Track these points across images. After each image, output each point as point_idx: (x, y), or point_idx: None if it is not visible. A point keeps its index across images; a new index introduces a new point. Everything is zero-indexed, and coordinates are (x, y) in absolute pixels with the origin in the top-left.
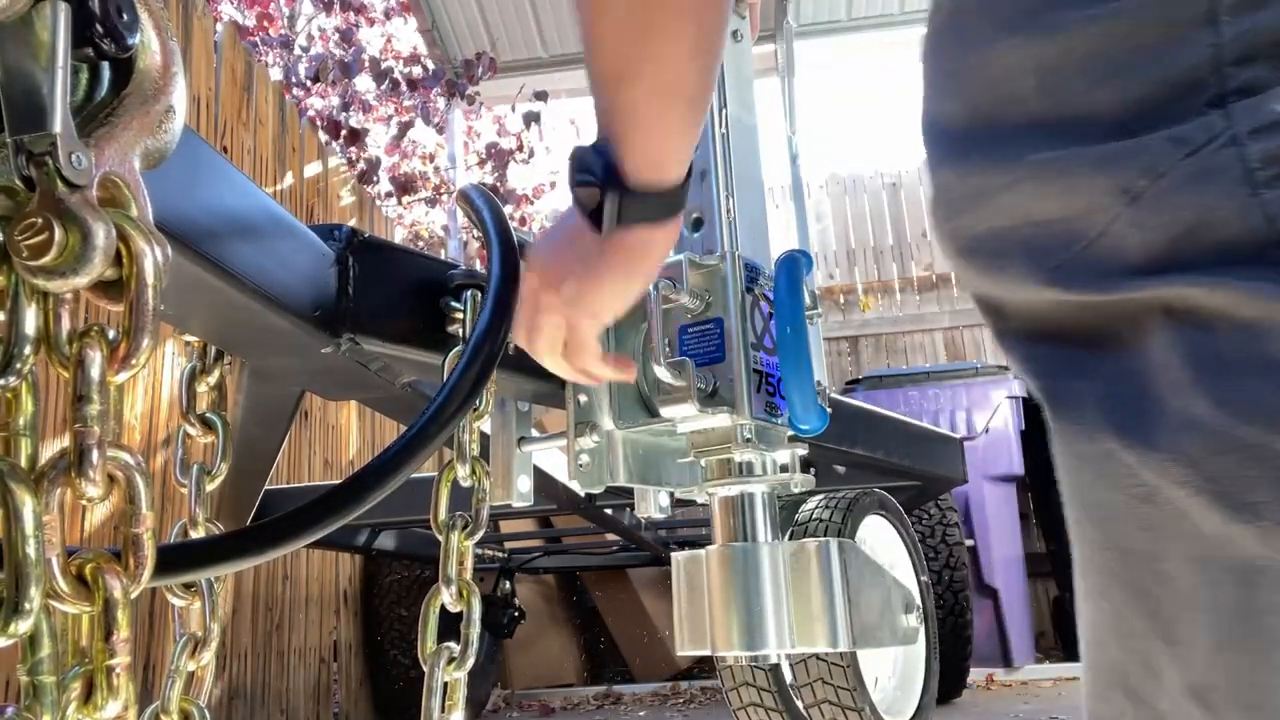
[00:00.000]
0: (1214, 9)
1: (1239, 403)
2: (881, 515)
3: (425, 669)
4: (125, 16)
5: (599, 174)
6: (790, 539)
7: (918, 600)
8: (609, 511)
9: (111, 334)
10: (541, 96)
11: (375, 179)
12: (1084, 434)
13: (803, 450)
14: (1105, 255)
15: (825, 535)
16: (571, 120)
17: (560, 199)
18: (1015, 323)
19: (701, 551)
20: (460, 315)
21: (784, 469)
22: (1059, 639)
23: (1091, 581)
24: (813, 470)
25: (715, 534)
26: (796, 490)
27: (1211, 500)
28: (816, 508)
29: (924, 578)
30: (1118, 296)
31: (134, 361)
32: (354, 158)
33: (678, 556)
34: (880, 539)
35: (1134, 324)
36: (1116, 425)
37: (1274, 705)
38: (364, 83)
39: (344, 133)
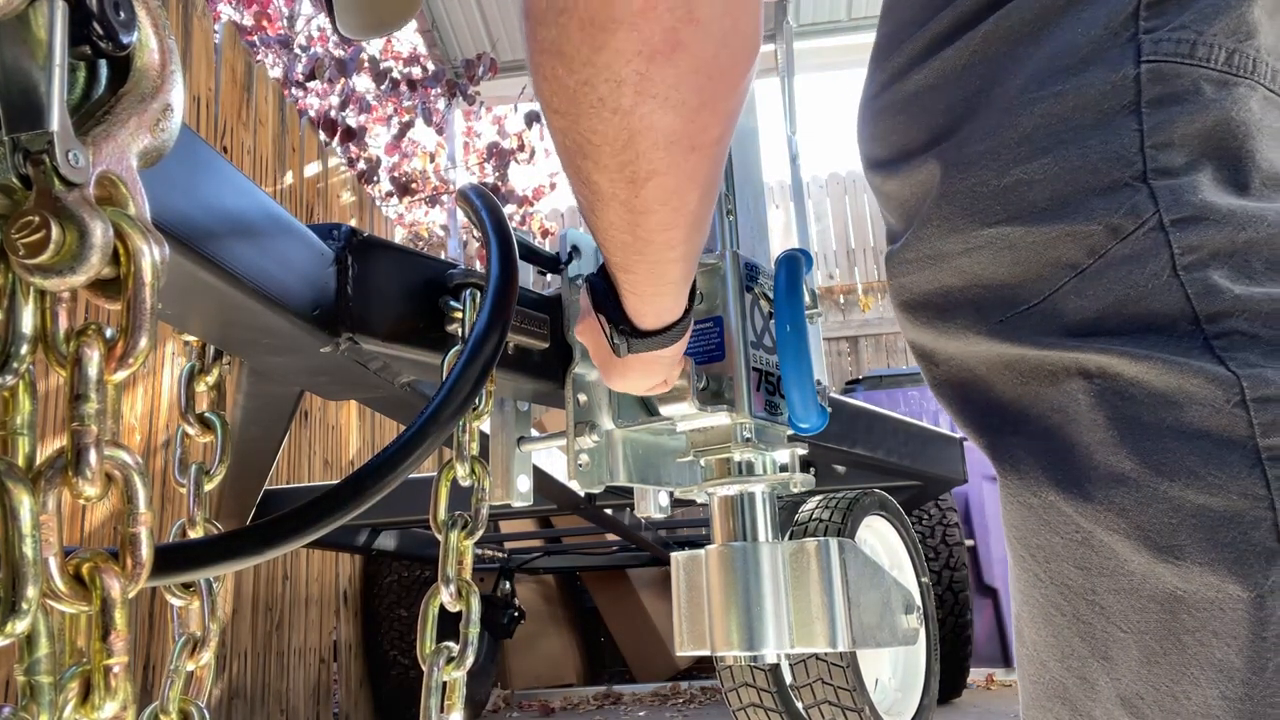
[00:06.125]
0: (1137, 100)
1: (1161, 463)
2: (882, 515)
3: (424, 669)
4: (122, 14)
5: (609, 314)
6: (790, 539)
7: (918, 601)
8: (609, 511)
9: (109, 333)
10: None
11: (375, 179)
12: (1027, 488)
13: (803, 450)
14: (1046, 316)
15: (825, 535)
16: None
17: (560, 199)
18: (946, 371)
19: (701, 551)
20: (460, 315)
21: (784, 469)
22: None
23: (1034, 610)
24: (813, 470)
25: (715, 534)
26: (796, 490)
27: (1140, 544)
28: (816, 508)
29: (924, 578)
30: (1051, 353)
31: (132, 360)
32: (354, 157)
33: (678, 556)
34: (881, 539)
35: (1060, 381)
36: (1055, 480)
37: (1189, 710)
38: (364, 83)
39: (339, 130)
